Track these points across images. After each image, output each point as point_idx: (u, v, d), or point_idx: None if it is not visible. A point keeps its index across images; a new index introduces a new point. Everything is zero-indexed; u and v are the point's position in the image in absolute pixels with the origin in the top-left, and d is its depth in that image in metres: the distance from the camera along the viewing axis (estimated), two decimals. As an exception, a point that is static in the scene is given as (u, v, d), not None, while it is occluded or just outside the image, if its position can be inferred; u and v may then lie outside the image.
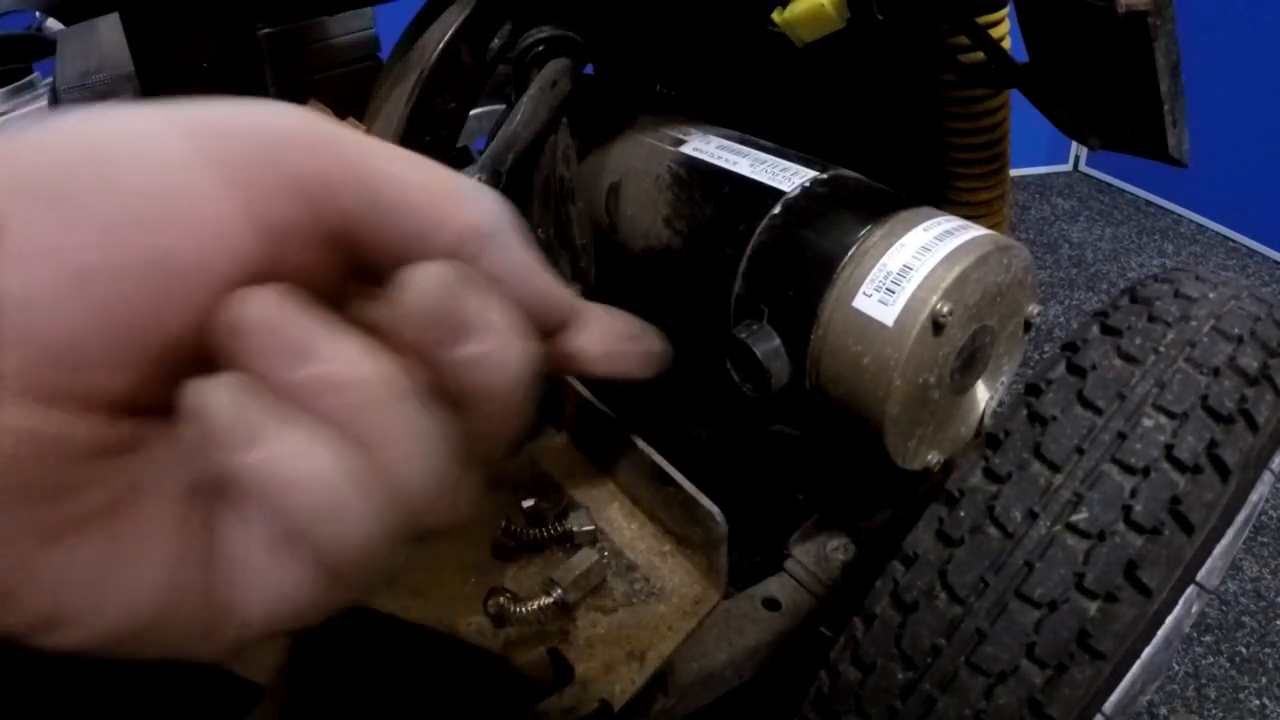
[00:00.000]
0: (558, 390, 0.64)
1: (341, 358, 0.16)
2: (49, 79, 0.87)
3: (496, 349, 0.17)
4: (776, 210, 0.50)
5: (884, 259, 0.46)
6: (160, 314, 0.15)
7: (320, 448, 0.15)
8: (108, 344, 0.15)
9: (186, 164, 0.16)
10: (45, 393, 0.15)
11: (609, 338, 0.22)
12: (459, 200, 0.18)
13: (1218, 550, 0.44)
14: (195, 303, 0.16)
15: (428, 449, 0.16)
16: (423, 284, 0.16)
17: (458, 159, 0.84)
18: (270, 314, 0.15)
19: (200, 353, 0.16)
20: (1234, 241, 2.23)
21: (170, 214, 0.15)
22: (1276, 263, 2.12)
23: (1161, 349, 0.42)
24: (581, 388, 0.62)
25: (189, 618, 0.17)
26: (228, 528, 0.17)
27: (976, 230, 0.47)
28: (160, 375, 0.16)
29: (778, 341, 0.48)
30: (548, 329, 0.21)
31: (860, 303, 0.45)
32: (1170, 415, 0.39)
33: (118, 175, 0.15)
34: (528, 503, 0.58)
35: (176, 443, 0.17)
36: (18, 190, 0.15)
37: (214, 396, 0.15)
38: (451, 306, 0.16)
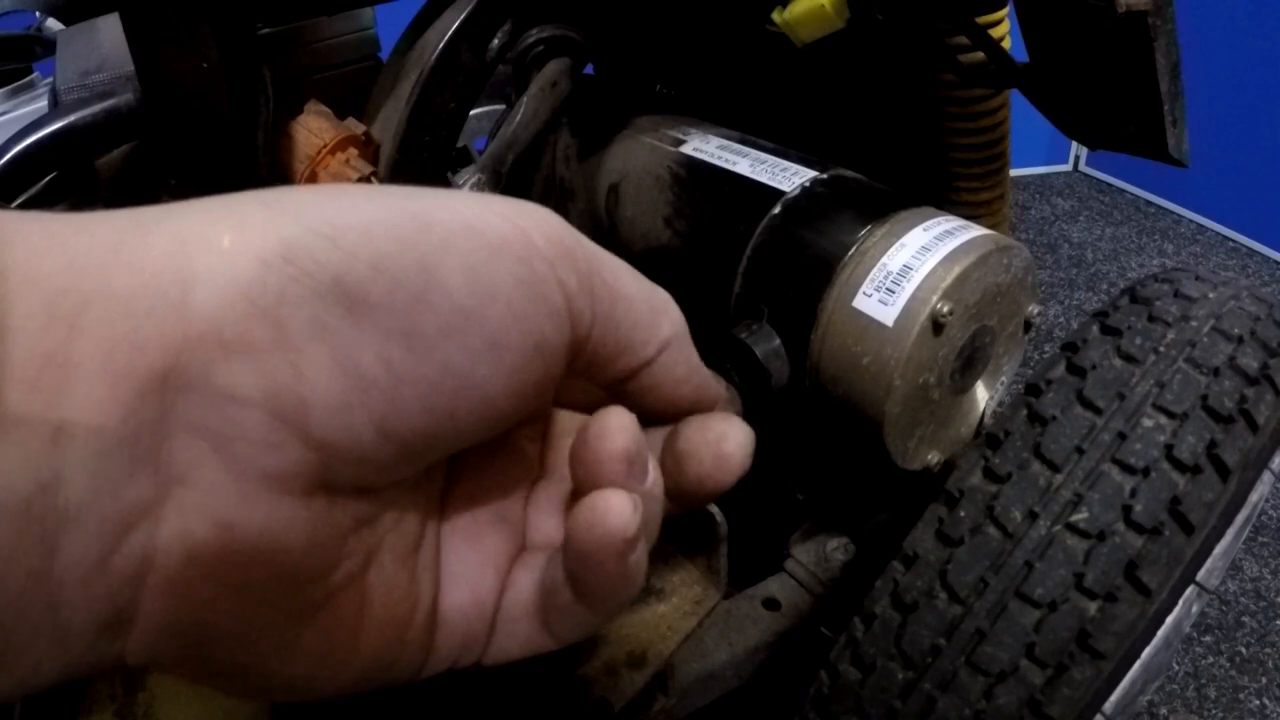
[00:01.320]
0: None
1: (653, 476, 0.20)
2: (49, 79, 0.87)
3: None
4: (776, 210, 0.50)
5: (884, 259, 0.45)
6: (452, 430, 0.16)
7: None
8: (388, 453, 0.15)
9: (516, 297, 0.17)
10: (327, 486, 0.15)
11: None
12: (666, 311, 0.21)
13: (1218, 550, 0.44)
14: (491, 423, 0.17)
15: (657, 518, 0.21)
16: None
17: (458, 159, 0.84)
18: (633, 446, 0.18)
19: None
20: (1234, 241, 2.23)
21: (494, 337, 0.16)
22: (1276, 263, 2.12)
23: (1161, 349, 0.42)
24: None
25: (406, 661, 0.18)
26: (512, 573, 0.20)
27: (976, 230, 0.47)
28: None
29: (778, 341, 0.48)
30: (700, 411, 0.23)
31: (860, 303, 0.45)
32: (1170, 415, 0.39)
33: (442, 291, 0.16)
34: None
35: (413, 500, 0.18)
36: (321, 289, 0.15)
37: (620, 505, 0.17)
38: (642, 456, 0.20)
